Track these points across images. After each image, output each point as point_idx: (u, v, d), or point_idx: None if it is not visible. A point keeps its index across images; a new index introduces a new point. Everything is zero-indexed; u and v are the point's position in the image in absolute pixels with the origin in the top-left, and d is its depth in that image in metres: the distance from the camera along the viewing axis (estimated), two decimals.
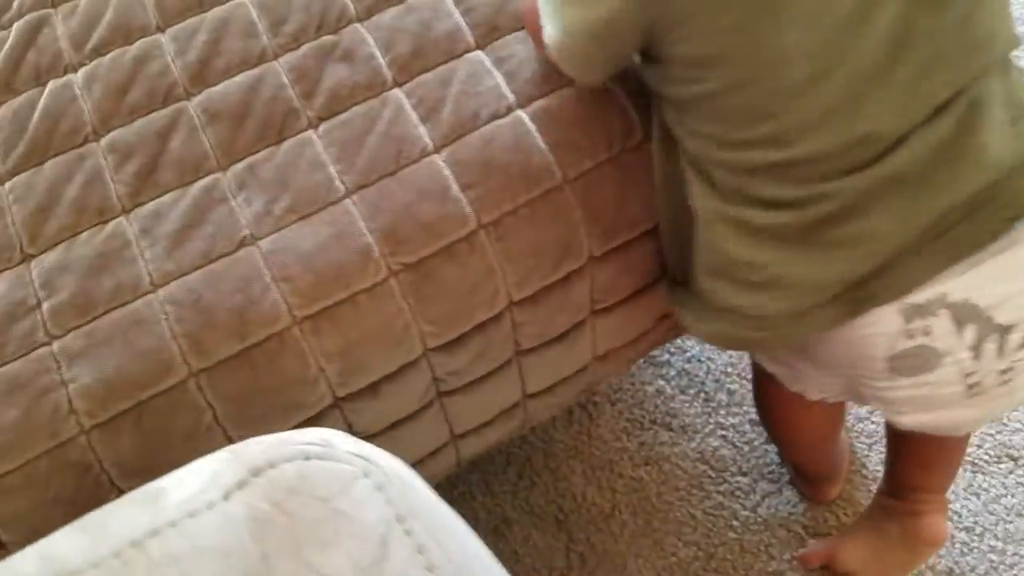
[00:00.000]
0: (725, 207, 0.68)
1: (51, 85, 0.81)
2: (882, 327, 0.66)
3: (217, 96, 0.79)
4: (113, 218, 0.74)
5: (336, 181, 0.76)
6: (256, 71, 0.81)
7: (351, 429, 0.77)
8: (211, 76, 0.80)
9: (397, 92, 0.81)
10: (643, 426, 1.21)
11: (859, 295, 0.65)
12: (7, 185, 0.76)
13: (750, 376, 1.23)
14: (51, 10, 0.85)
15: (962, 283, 0.63)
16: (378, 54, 0.82)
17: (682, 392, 1.22)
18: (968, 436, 0.88)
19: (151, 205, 0.75)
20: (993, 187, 0.62)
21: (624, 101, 0.79)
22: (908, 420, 0.75)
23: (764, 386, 0.95)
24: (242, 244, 0.73)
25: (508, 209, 0.76)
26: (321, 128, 0.79)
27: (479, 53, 0.82)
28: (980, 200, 0.62)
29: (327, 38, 0.82)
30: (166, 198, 0.75)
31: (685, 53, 0.65)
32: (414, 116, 0.79)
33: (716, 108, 0.66)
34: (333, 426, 0.75)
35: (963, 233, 0.63)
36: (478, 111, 0.79)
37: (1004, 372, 0.67)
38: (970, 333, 0.65)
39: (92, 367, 0.68)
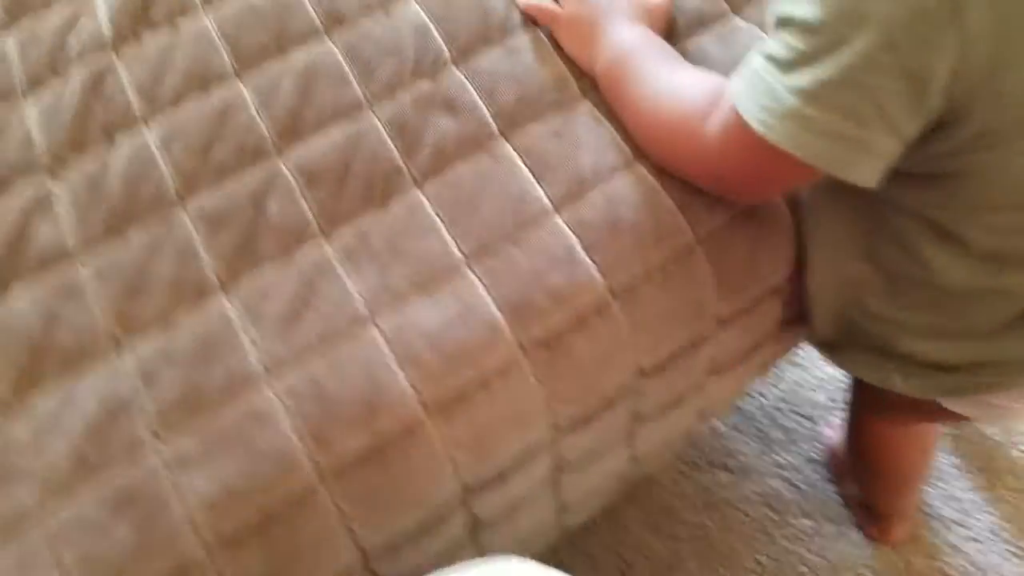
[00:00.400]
0: (981, 266, 0.65)
1: (124, 143, 0.71)
2: None
3: (313, 153, 0.72)
4: (213, 297, 0.66)
5: (453, 247, 0.70)
6: (352, 124, 0.73)
7: (477, 521, 0.70)
8: (303, 130, 0.72)
9: (507, 146, 0.74)
10: (700, 468, 1.18)
11: None
12: (87, 261, 0.67)
13: (804, 412, 1.21)
14: (112, 54, 0.75)
15: None
16: (481, 103, 0.75)
17: (737, 431, 1.19)
18: None
19: (253, 280, 0.67)
20: None
21: None
22: None
23: (867, 422, 0.94)
24: (362, 323, 0.66)
25: (638, 272, 0.71)
26: (428, 188, 0.72)
27: (587, 103, 0.76)
28: None
29: (426, 84, 0.75)
30: (269, 272, 0.67)
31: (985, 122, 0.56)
32: (527, 172, 0.73)
33: (994, 176, 0.60)
34: (459, 522, 0.69)
35: None
36: (595, 166, 0.73)
37: None
38: None
39: (211, 473, 0.60)
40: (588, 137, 0.74)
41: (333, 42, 0.77)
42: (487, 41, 0.78)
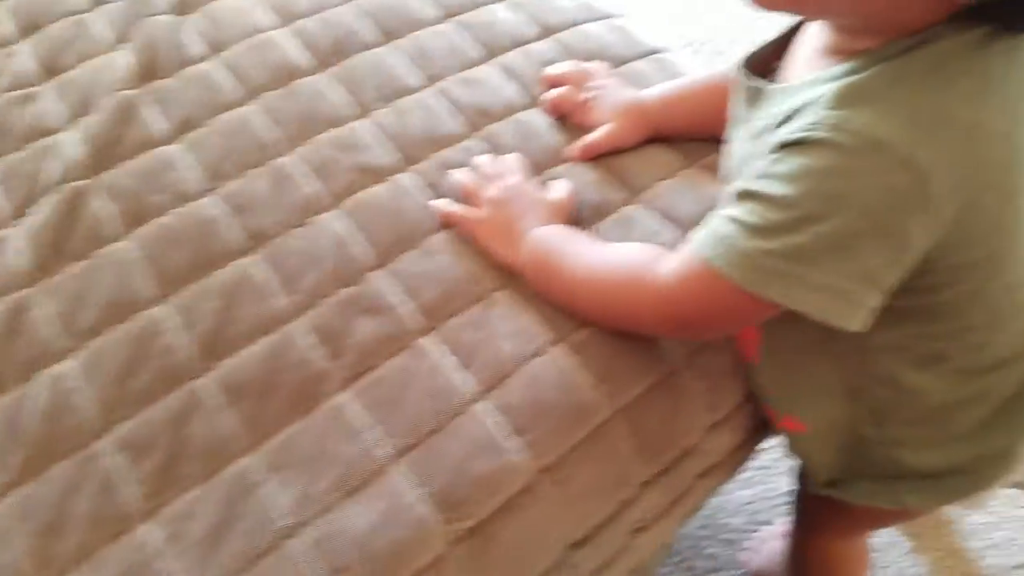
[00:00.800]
0: (968, 381, 0.69)
1: (43, 379, 0.73)
2: None
3: (236, 369, 0.73)
4: (135, 527, 0.65)
5: (379, 447, 0.70)
6: (276, 336, 0.75)
7: None
8: (226, 348, 0.74)
9: (429, 340, 0.76)
10: None
11: None
12: (4, 502, 0.66)
13: (726, 537, 1.22)
14: (30, 290, 0.78)
15: None
16: (404, 301, 0.78)
17: (662, 565, 1.18)
18: None
19: (176, 505, 0.66)
20: None
21: None
22: None
23: (816, 540, 0.98)
24: (287, 536, 0.65)
25: (563, 451, 0.71)
26: (353, 390, 0.73)
27: (507, 292, 0.79)
28: None
29: (348, 290, 0.78)
30: (192, 494, 0.67)
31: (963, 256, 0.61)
32: (450, 364, 0.74)
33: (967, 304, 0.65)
34: None
35: None
36: (516, 351, 0.75)
37: None
38: None
39: None
40: (506, 325, 0.76)
41: (255, 258, 0.80)
42: (405, 244, 0.81)
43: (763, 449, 0.89)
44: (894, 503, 0.78)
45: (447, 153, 0.88)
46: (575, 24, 1.05)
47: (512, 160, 0.86)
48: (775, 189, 0.57)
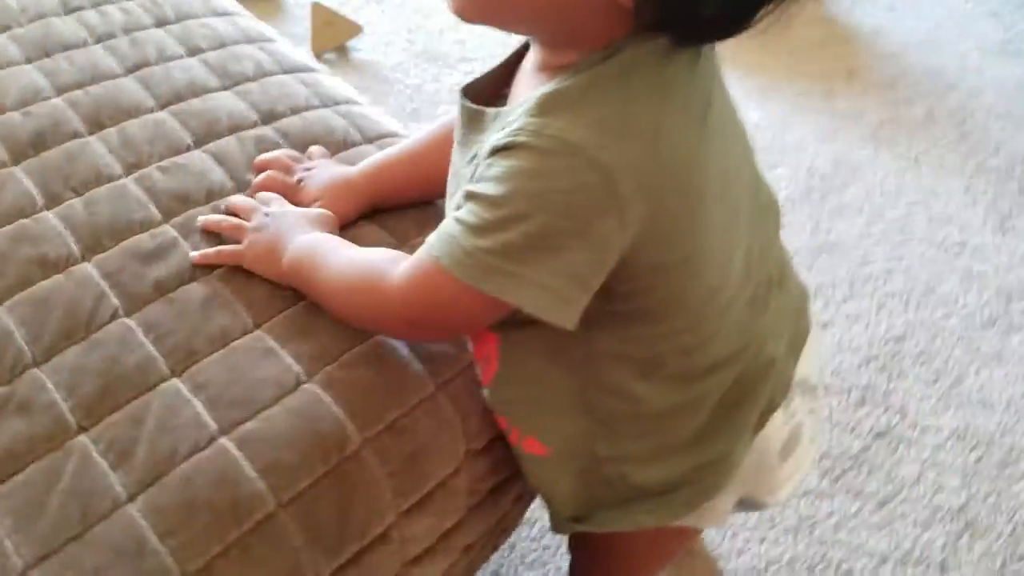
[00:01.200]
0: (685, 387, 0.75)
1: None
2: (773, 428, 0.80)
3: None
4: None
5: (13, 557, 0.65)
6: None
7: None
8: None
9: (83, 439, 0.72)
10: None
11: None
12: None
13: None
14: None
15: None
16: (59, 399, 0.74)
17: None
18: None
19: None
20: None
21: (335, 409, 0.75)
22: (783, 494, 0.87)
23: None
24: None
25: (217, 551, 0.68)
26: None
27: (175, 381, 0.76)
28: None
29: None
30: None
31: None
32: (103, 464, 0.71)
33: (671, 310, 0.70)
34: None
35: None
36: (176, 447, 0.72)
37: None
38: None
39: None
40: (169, 419, 0.74)
41: None
42: (70, 337, 0.78)
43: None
44: (632, 524, 0.81)
45: (135, 240, 0.86)
46: (303, 110, 1.05)
47: (270, 186, 0.90)
48: (489, 190, 0.61)
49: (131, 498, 0.69)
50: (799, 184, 1.87)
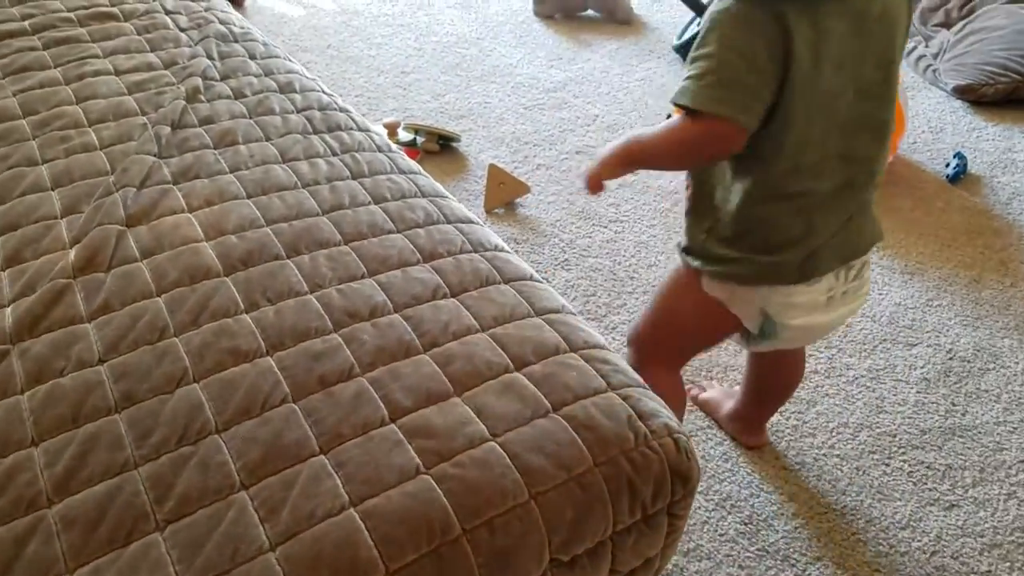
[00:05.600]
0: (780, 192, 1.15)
1: None
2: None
3: (76, 503, 0.87)
4: None
5: None
6: (116, 480, 0.89)
7: None
8: (74, 486, 0.89)
9: (243, 495, 0.89)
10: None
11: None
12: None
13: None
14: None
15: None
16: (231, 460, 0.92)
17: None
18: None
19: None
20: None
21: (444, 500, 0.89)
22: (797, 322, 1.25)
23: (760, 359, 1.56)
24: None
25: None
26: (168, 530, 0.86)
27: (322, 458, 0.93)
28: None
29: (185, 448, 0.93)
30: None
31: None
32: (256, 517, 0.87)
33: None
34: None
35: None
36: (314, 510, 0.87)
37: (844, 293, 1.25)
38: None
39: None
40: (312, 487, 0.90)
41: (118, 415, 0.96)
42: (247, 413, 0.97)
43: None
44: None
45: (310, 343, 1.06)
46: (457, 253, 1.25)
47: None
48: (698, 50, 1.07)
49: (273, 547, 0.85)
50: (937, 365, 1.88)
